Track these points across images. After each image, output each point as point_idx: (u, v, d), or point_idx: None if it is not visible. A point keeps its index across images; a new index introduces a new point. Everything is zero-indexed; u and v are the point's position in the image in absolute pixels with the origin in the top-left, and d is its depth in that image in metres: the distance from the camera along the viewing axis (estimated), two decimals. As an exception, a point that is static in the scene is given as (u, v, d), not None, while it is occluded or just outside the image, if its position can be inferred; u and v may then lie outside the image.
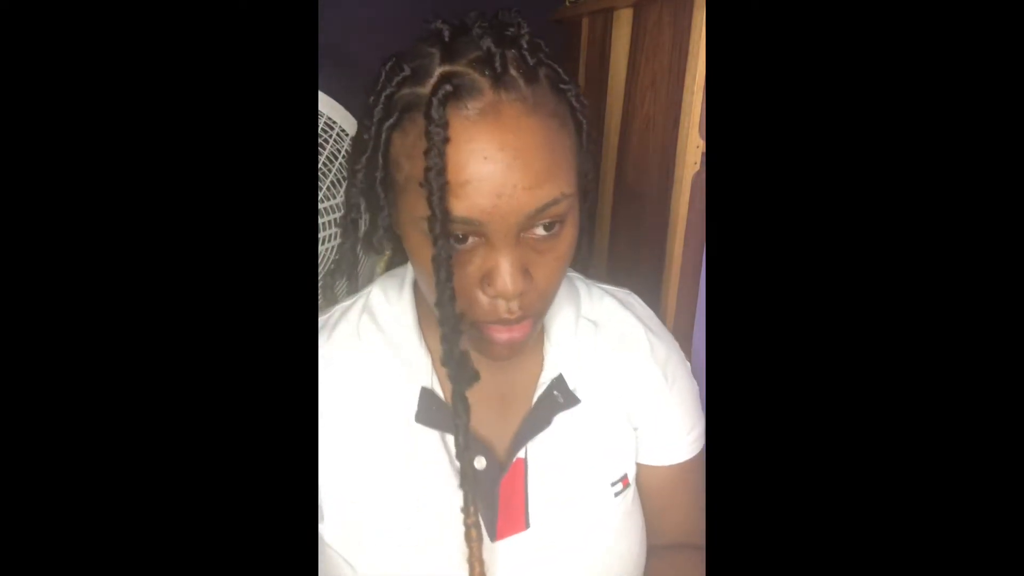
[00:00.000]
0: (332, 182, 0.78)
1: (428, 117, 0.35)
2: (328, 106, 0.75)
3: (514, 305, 0.39)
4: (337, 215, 0.79)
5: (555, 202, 0.38)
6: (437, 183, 0.35)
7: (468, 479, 0.42)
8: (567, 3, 1.06)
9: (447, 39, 0.38)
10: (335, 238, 0.79)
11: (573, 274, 0.58)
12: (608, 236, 0.97)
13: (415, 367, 0.48)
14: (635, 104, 0.85)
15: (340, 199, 0.79)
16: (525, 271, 0.39)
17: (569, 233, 0.41)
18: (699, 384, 0.76)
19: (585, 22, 1.01)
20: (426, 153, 0.35)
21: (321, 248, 0.78)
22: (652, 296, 0.78)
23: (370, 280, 0.54)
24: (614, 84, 0.90)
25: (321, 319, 0.53)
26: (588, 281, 0.57)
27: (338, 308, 0.53)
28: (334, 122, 0.75)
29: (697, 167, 0.71)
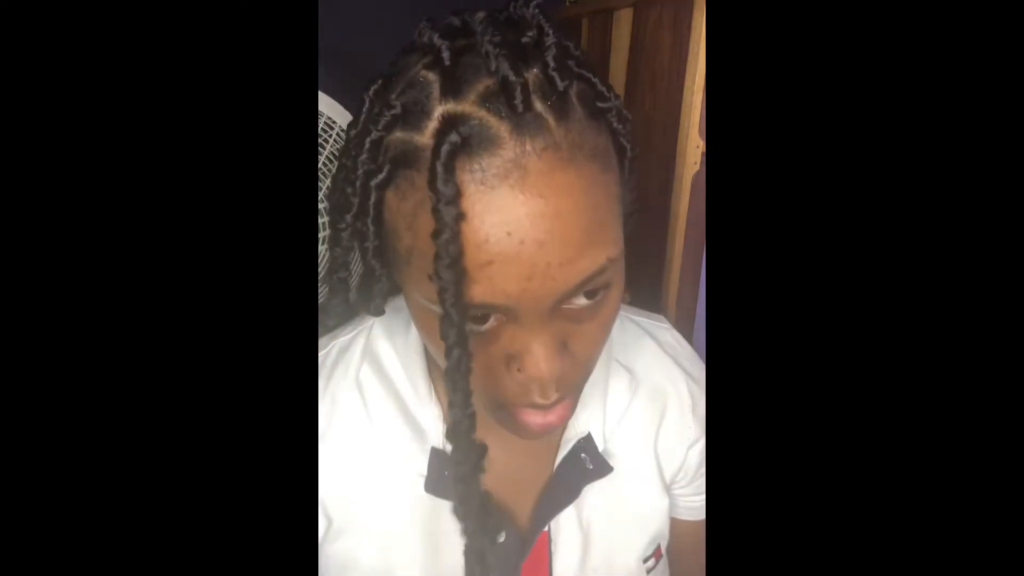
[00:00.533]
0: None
1: (434, 189, 0.26)
2: (328, 106, 0.75)
3: (550, 388, 0.31)
4: (337, 215, 0.79)
5: (600, 271, 0.30)
6: (449, 277, 0.27)
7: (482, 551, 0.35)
8: (567, 3, 1.06)
9: (447, 62, 0.28)
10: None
11: None
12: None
13: (425, 426, 0.42)
14: (635, 104, 0.85)
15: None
16: (563, 347, 0.32)
17: (614, 296, 0.33)
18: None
19: (585, 22, 1.00)
20: (434, 236, 0.27)
21: (321, 248, 0.78)
22: (652, 296, 0.78)
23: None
24: (614, 84, 0.90)
25: (320, 354, 0.46)
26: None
27: (335, 345, 0.45)
28: (334, 122, 0.75)
29: (697, 167, 0.71)
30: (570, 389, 0.34)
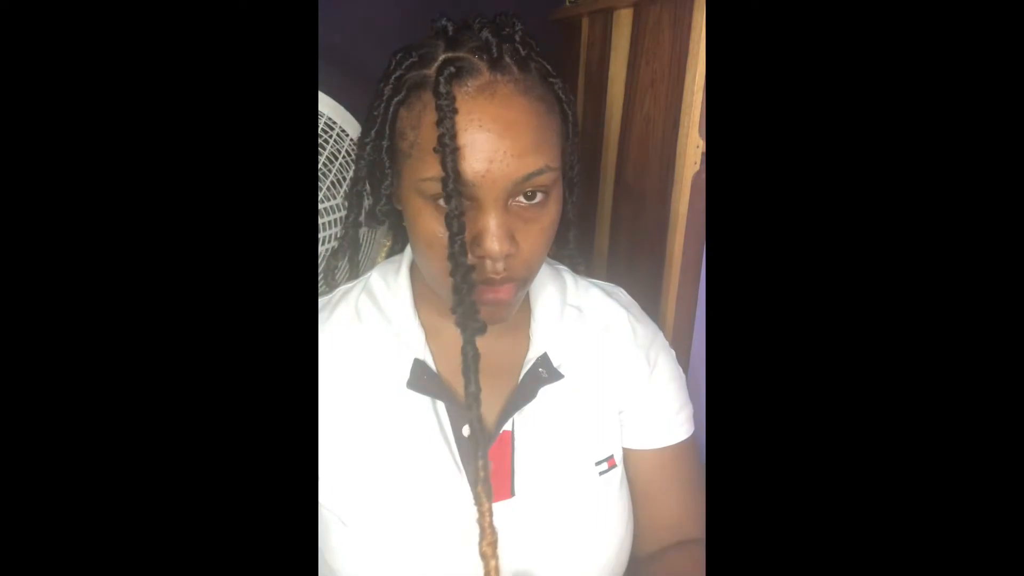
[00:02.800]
0: (332, 182, 0.77)
1: (437, 93, 0.40)
2: (328, 106, 0.75)
3: (500, 266, 0.43)
4: (337, 215, 0.79)
5: (540, 172, 0.42)
6: (450, 147, 0.40)
7: (475, 425, 0.44)
8: (567, 3, 1.06)
9: (451, 33, 0.43)
10: (335, 239, 0.79)
11: (562, 267, 0.61)
12: (608, 236, 0.97)
13: (409, 341, 0.52)
14: (635, 104, 0.85)
15: (340, 200, 0.78)
16: (511, 236, 0.43)
17: (553, 208, 0.45)
18: (699, 384, 0.76)
19: (585, 22, 1.00)
20: (438, 123, 0.40)
21: (321, 248, 0.78)
22: (652, 296, 0.78)
23: (371, 269, 0.58)
24: (614, 84, 0.90)
25: (323, 300, 0.56)
26: (576, 275, 0.61)
27: (339, 290, 0.58)
28: (334, 122, 0.75)
29: (697, 167, 0.71)
30: (515, 274, 0.45)
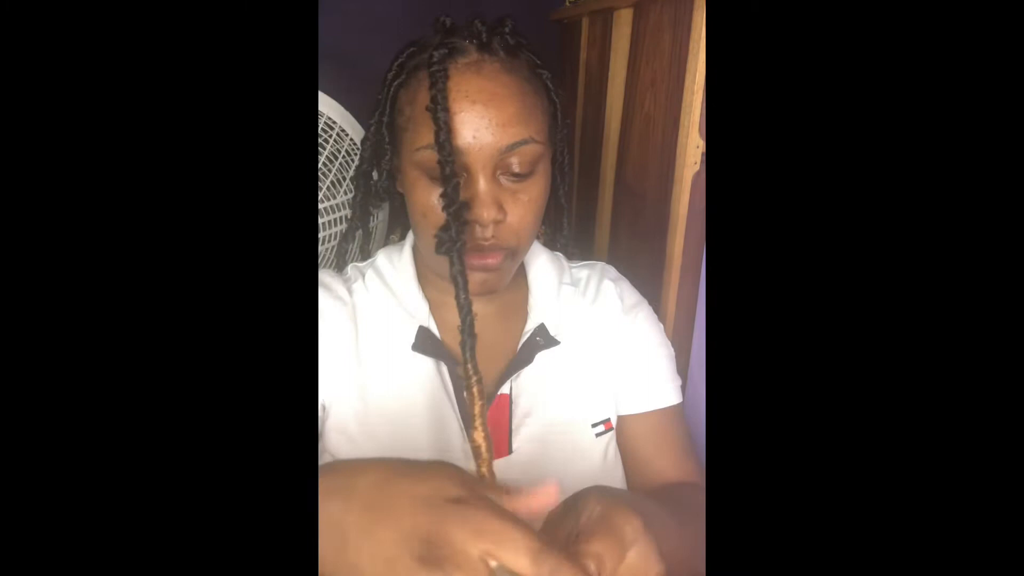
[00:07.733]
0: (332, 182, 0.77)
1: (429, 63, 0.45)
2: (328, 106, 0.75)
3: (488, 232, 0.47)
4: (337, 215, 0.79)
5: (524, 142, 0.46)
6: (443, 117, 0.44)
7: (471, 365, 0.44)
8: (567, 3, 1.06)
9: (447, 25, 0.49)
10: (335, 239, 0.79)
11: (556, 253, 0.65)
12: (608, 236, 0.97)
13: (413, 311, 0.56)
14: (635, 104, 0.85)
15: (340, 199, 0.79)
16: (500, 205, 0.47)
17: (540, 182, 0.49)
18: (699, 383, 0.76)
19: (585, 22, 1.00)
20: (431, 86, 0.44)
21: (321, 248, 0.78)
22: (652, 296, 0.78)
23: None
24: (614, 84, 0.90)
25: (337, 279, 0.60)
26: (570, 259, 0.66)
27: (350, 267, 0.62)
28: (334, 122, 0.75)
29: (697, 167, 0.71)
30: (503, 243, 0.48)
